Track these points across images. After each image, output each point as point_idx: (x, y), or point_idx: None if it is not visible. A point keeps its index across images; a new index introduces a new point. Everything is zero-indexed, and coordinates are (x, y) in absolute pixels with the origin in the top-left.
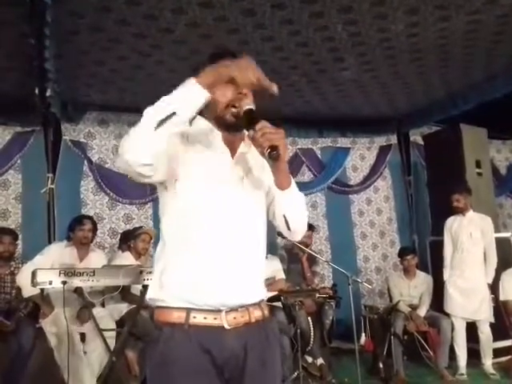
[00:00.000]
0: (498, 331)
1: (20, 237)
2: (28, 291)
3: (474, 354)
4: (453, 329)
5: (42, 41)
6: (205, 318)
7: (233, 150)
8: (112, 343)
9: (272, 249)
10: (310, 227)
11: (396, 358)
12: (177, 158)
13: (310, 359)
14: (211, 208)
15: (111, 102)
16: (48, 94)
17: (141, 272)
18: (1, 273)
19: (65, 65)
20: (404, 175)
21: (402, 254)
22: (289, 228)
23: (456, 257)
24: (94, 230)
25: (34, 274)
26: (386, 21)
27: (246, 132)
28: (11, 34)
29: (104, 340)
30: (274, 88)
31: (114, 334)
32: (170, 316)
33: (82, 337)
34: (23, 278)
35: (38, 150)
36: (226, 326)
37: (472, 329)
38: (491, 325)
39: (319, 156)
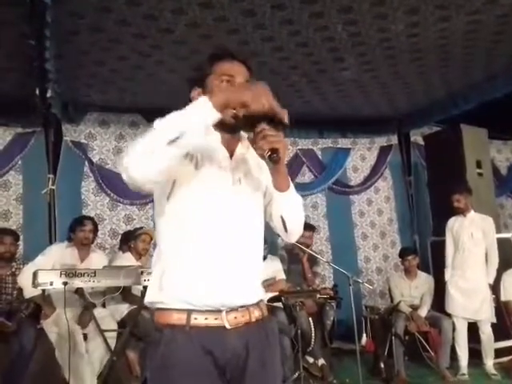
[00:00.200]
0: (500, 331)
1: (21, 237)
2: (29, 292)
3: (475, 354)
4: (454, 329)
5: (43, 41)
6: (206, 318)
7: (231, 152)
8: (113, 343)
9: (272, 249)
10: (311, 228)
11: (397, 359)
12: None
13: (311, 360)
14: (210, 209)
15: (112, 103)
16: (48, 94)
17: (141, 272)
18: (2, 273)
19: (65, 65)
20: (404, 175)
21: (402, 254)
22: (286, 229)
23: (457, 257)
24: (95, 230)
25: (35, 274)
26: (386, 21)
27: (243, 133)
28: (11, 35)
29: (105, 340)
30: (285, 116)
31: (115, 334)
32: (171, 318)
33: (85, 336)
34: (24, 279)
35: (39, 150)
36: (227, 326)
37: (473, 329)
38: (492, 325)
39: (320, 157)
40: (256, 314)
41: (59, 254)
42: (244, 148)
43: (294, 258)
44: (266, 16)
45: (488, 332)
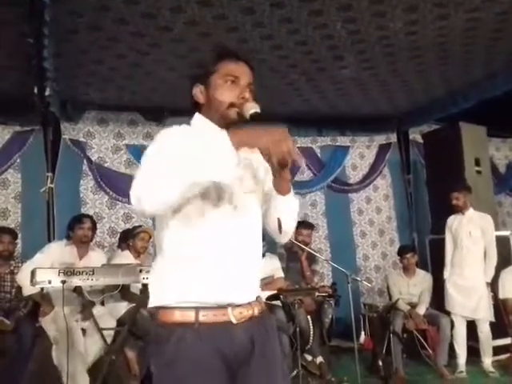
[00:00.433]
0: (498, 329)
1: (19, 236)
2: (28, 290)
3: (473, 352)
4: (453, 327)
5: (41, 40)
6: (214, 315)
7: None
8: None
9: (271, 247)
10: (310, 226)
11: (395, 356)
12: None
13: (309, 358)
14: (218, 210)
15: (110, 101)
16: (47, 93)
17: (140, 271)
18: (0, 272)
19: (64, 64)
20: (403, 174)
21: (401, 252)
22: (280, 231)
23: (456, 255)
24: (94, 228)
25: (33, 273)
26: (384, 18)
27: None
28: (10, 34)
29: (103, 339)
30: (302, 161)
31: (113, 332)
32: (180, 316)
33: (84, 332)
34: (23, 277)
35: (38, 149)
36: (234, 321)
37: (471, 327)
38: (491, 323)
39: (319, 155)
40: (257, 309)
41: (58, 252)
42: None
43: (293, 256)
44: (265, 14)
45: (486, 330)
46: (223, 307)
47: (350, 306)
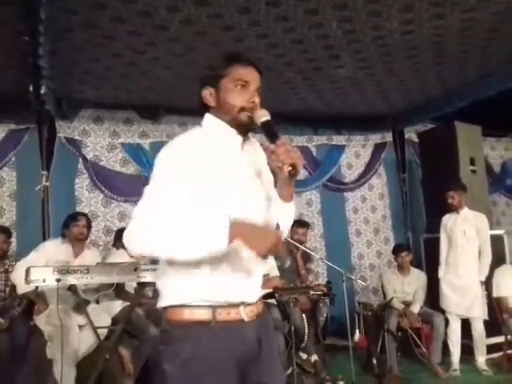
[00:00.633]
0: (491, 327)
1: (14, 234)
2: (22, 288)
3: (467, 350)
4: (447, 325)
5: (37, 38)
6: (228, 313)
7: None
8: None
9: None
10: (305, 224)
11: (390, 355)
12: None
13: (304, 356)
14: (235, 212)
15: (106, 99)
16: (42, 91)
17: (135, 269)
18: None
19: (59, 62)
20: (399, 173)
21: (396, 250)
22: None
23: (451, 254)
24: (89, 226)
25: (27, 271)
26: (380, 18)
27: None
28: (5, 32)
29: (98, 337)
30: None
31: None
32: (197, 314)
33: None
34: (17, 276)
35: (33, 147)
36: (246, 319)
37: (465, 325)
38: (484, 321)
39: (314, 154)
40: (261, 307)
41: (53, 250)
42: (250, 149)
43: (288, 254)
44: (261, 13)
45: (480, 329)
46: (236, 306)
47: (345, 304)
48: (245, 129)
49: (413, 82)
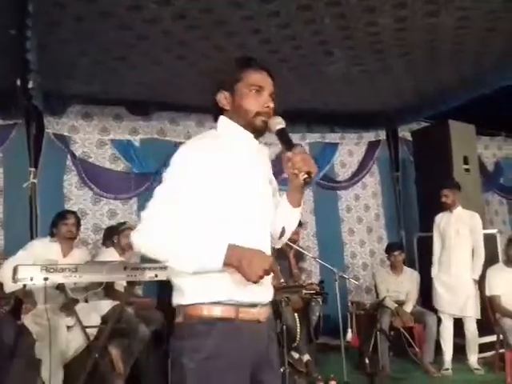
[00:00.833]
0: (484, 327)
1: (1, 232)
2: (10, 287)
3: (459, 349)
4: (439, 324)
5: (24, 31)
6: (248, 313)
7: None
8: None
9: None
10: (298, 223)
11: (382, 354)
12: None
13: (296, 355)
14: (249, 213)
15: (95, 95)
16: (30, 85)
17: (125, 268)
18: None
19: (47, 56)
20: (392, 171)
21: (389, 249)
22: (280, 238)
23: (444, 253)
24: (78, 224)
25: (15, 270)
26: (374, 14)
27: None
28: None
29: (86, 336)
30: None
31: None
32: (221, 312)
33: (68, 329)
34: (5, 274)
35: (20, 143)
36: (261, 319)
37: (458, 324)
38: (477, 320)
39: (307, 151)
40: (270, 309)
41: (41, 249)
42: (262, 154)
43: (281, 253)
44: (253, 8)
45: (472, 329)
46: (255, 306)
47: (338, 303)
48: (259, 133)
49: (407, 79)
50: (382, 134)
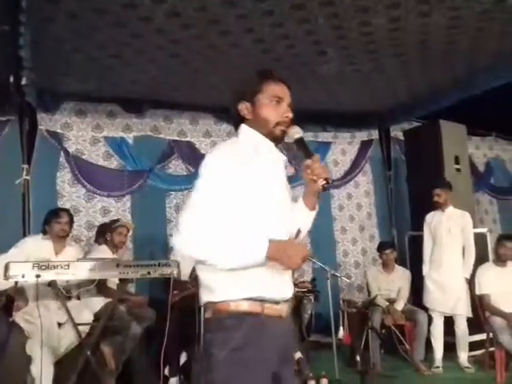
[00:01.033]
0: (474, 325)
1: None
2: (1, 284)
3: (449, 348)
4: (430, 322)
5: (17, 28)
6: (272, 308)
7: None
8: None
9: None
10: None
11: (373, 352)
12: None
13: None
14: (270, 219)
15: (89, 92)
16: (23, 82)
17: (117, 265)
18: None
19: (41, 53)
20: (385, 170)
21: (380, 248)
22: (296, 238)
23: (435, 252)
24: (71, 222)
25: (6, 267)
26: (367, 14)
27: None
28: None
29: (78, 333)
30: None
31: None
32: (249, 307)
33: (59, 326)
34: None
35: (13, 140)
36: (283, 315)
37: (448, 323)
38: (467, 319)
39: None
40: (290, 306)
41: (33, 246)
42: (278, 159)
43: None
44: (247, 7)
45: (463, 327)
46: (278, 302)
47: (329, 301)
48: (278, 142)
49: (399, 79)
50: (375, 134)
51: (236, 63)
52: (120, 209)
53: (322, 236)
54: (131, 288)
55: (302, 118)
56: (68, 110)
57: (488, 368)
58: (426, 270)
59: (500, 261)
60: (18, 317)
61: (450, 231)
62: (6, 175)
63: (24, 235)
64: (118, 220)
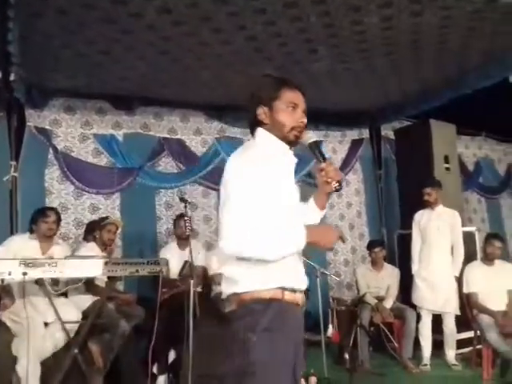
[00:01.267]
0: (461, 323)
1: None
2: None
3: (437, 345)
4: (418, 320)
5: (5, 23)
6: (290, 295)
7: None
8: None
9: None
10: None
11: (361, 349)
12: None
13: None
14: (292, 214)
15: (78, 88)
16: (12, 78)
17: (106, 263)
18: None
19: (29, 48)
20: (375, 169)
21: (370, 246)
22: None
23: (424, 250)
24: (58, 221)
25: None
26: (359, 13)
27: None
28: None
29: (66, 332)
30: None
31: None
32: (273, 294)
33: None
34: None
35: (1, 136)
36: (300, 303)
37: (436, 320)
38: (455, 316)
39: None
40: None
41: (20, 245)
42: (291, 161)
43: None
44: (239, 4)
45: (451, 325)
46: (295, 291)
47: (319, 299)
48: (292, 145)
49: (391, 78)
50: (366, 133)
51: (227, 61)
52: (109, 206)
53: None
54: (120, 286)
55: None
56: (57, 106)
57: (475, 365)
58: (414, 268)
59: (488, 259)
60: (5, 316)
61: (439, 229)
62: None
63: (11, 233)
64: (106, 217)
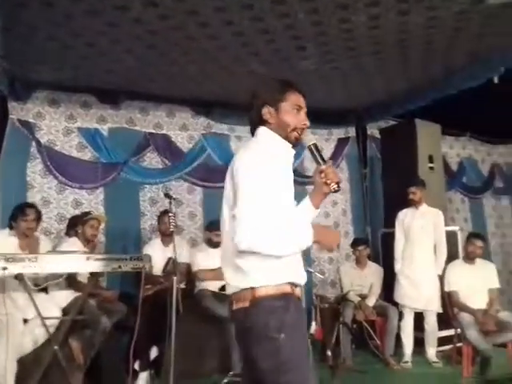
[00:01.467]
0: (442, 321)
1: None
2: None
3: (418, 343)
4: (401, 318)
5: None
6: (296, 290)
7: None
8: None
9: None
10: None
11: (344, 347)
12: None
13: None
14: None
15: (62, 81)
16: None
17: (87, 258)
18: None
19: (13, 40)
20: (360, 168)
21: (354, 244)
22: None
23: (407, 249)
24: (38, 219)
25: None
26: (347, 11)
27: None
28: None
29: (46, 328)
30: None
31: (57, 321)
32: (288, 289)
33: (25, 322)
34: None
35: None
36: (300, 297)
37: (417, 318)
38: (436, 314)
39: None
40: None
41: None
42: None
43: None
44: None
45: (432, 322)
46: (298, 286)
47: (303, 296)
48: (293, 145)
49: (377, 77)
50: (352, 131)
51: (214, 56)
52: (93, 201)
53: None
54: (102, 282)
55: None
56: (40, 99)
57: (455, 363)
58: (398, 266)
59: (469, 258)
60: None
61: (422, 228)
62: None
63: None
64: (89, 212)
